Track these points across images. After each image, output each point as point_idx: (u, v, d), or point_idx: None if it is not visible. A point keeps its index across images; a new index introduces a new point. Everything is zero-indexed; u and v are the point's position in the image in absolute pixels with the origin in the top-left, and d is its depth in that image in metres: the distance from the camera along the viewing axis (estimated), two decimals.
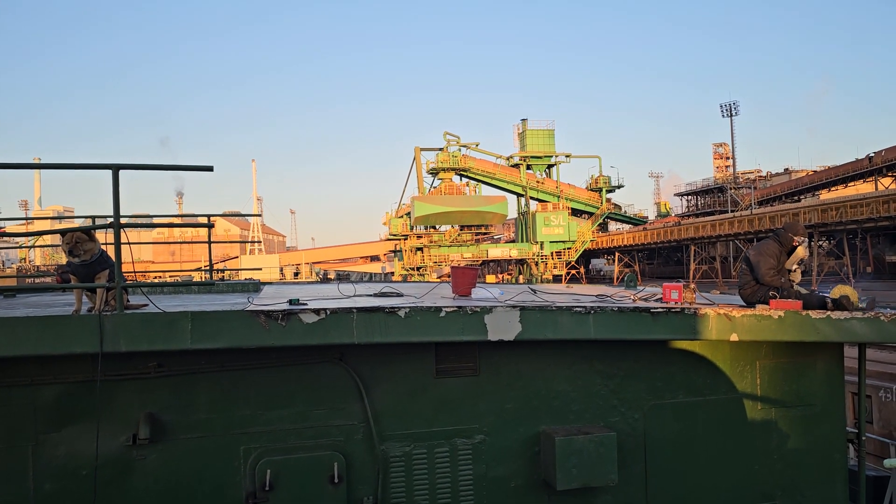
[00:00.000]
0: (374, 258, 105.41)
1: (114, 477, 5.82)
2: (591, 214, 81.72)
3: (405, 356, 6.46)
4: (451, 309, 6.06)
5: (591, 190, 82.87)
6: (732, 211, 73.85)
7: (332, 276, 63.98)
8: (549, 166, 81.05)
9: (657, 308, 6.47)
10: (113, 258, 6.01)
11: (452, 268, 8.18)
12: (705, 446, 7.12)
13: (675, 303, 6.94)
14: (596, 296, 8.16)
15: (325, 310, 5.78)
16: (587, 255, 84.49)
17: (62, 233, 5.88)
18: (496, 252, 76.31)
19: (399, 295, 7.79)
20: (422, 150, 77.61)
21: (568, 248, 76.61)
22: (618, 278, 71.20)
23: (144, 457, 5.90)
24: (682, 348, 7.08)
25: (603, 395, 6.93)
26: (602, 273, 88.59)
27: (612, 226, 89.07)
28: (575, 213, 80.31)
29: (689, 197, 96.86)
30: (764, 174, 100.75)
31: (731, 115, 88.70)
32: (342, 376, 6.34)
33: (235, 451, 6.09)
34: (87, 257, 5.83)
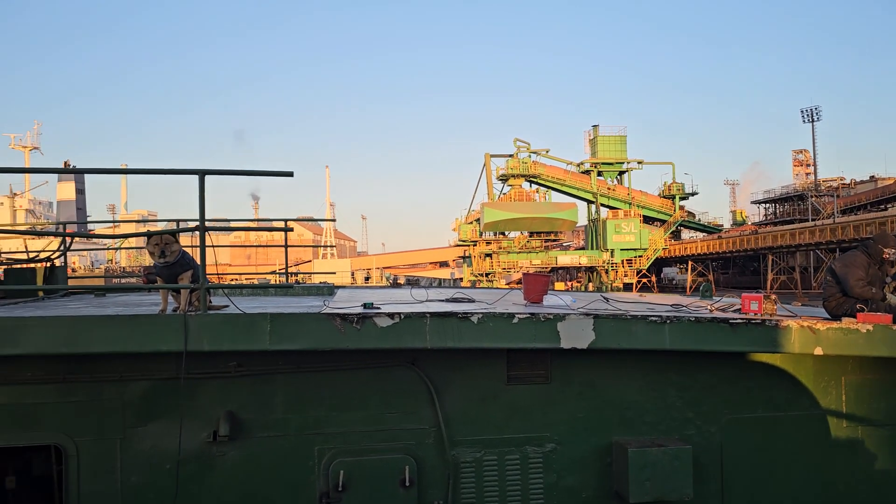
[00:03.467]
0: (443, 264, 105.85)
1: (195, 472, 6.02)
2: (663, 222, 79.83)
3: (477, 362, 6.46)
4: (524, 315, 6.03)
5: (664, 197, 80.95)
6: (813, 220, 70.79)
7: (401, 280, 64.60)
8: (621, 173, 79.67)
9: (736, 319, 6.26)
10: (194, 259, 6.26)
11: (524, 274, 8.14)
12: (786, 464, 6.82)
13: (755, 314, 6.69)
14: (671, 305, 7.96)
15: (399, 314, 5.84)
16: (659, 264, 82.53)
17: (149, 235, 6.15)
18: (565, 259, 75.46)
19: (471, 301, 7.79)
20: (492, 156, 77.54)
21: (639, 256, 75.01)
22: (690, 287, 69.26)
23: (224, 453, 6.08)
24: (762, 361, 6.82)
25: (678, 407, 6.75)
26: (674, 282, 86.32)
27: (686, 234, 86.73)
28: (647, 220, 78.62)
29: (767, 205, 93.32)
30: (847, 182, 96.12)
31: (813, 121, 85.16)
32: (414, 380, 6.38)
33: (310, 451, 6.22)
34: (173, 258, 6.08)
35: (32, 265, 9.47)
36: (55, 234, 10.14)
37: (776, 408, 6.85)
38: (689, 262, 77.24)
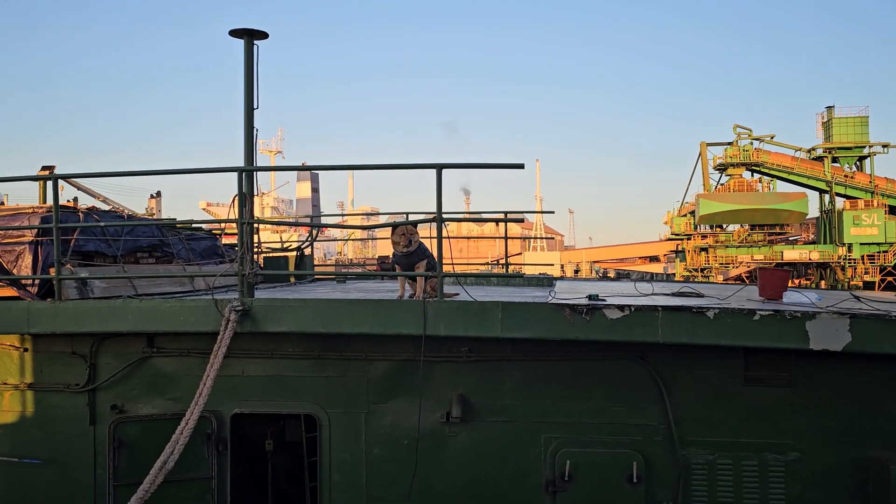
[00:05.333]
0: (653, 258, 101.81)
1: (430, 449, 6.36)
2: None
3: (711, 360, 6.12)
4: (767, 312, 5.60)
5: None
6: None
7: (611, 274, 63.18)
8: (861, 158, 70.89)
9: None
10: (429, 250, 6.59)
11: (760, 269, 7.57)
12: None
13: None
14: None
15: (629, 306, 5.70)
16: None
17: (394, 227, 6.59)
18: (793, 254, 68.85)
19: (700, 295, 7.40)
20: (708, 144, 72.98)
21: (884, 252, 66.33)
22: None
23: (456, 434, 6.36)
24: None
25: None
26: None
27: None
28: (893, 211, 69.32)
29: None
30: None
31: None
32: (642, 375, 6.20)
33: (537, 439, 6.29)
34: (414, 248, 6.47)
35: (286, 254, 10.62)
36: (323, 226, 11.23)
37: None
38: None
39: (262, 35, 6.48)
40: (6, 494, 6.86)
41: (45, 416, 6.80)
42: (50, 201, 6.90)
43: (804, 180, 70.94)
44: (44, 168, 11.50)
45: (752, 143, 70.52)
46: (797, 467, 6.02)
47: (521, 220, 7.74)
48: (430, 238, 6.30)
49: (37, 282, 6.83)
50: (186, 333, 6.39)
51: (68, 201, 8.17)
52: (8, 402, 6.86)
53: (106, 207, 11.41)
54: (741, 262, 66.27)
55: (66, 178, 7.34)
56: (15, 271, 6.86)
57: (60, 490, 6.75)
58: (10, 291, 6.87)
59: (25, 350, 6.82)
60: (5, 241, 6.99)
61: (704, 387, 6.18)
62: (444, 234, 6.01)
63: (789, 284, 7.82)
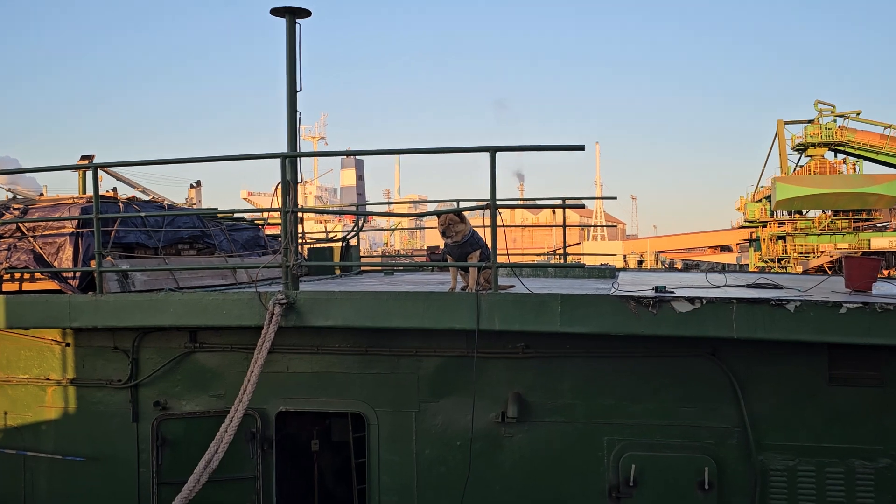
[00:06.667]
0: (725, 248, 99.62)
1: (484, 451, 6.36)
2: None
3: (790, 357, 5.96)
4: (854, 305, 5.40)
5: None
6: None
7: (678, 265, 62.10)
8: None
9: None
10: (483, 240, 6.56)
11: (846, 258, 7.33)
12: None
13: None
14: None
15: (700, 299, 5.58)
16: None
17: (438, 214, 6.58)
18: (881, 242, 66.39)
19: (778, 287, 7.20)
20: (786, 123, 70.85)
21: None
22: None
23: (512, 435, 6.34)
24: None
25: None
26: None
27: None
28: None
29: None
30: None
31: None
32: (715, 373, 6.08)
33: (599, 441, 6.22)
34: (459, 238, 6.43)
35: (331, 245, 10.75)
36: (386, 214, 11.34)
37: None
38: None
39: (305, 13, 6.54)
40: (50, 493, 7.13)
41: (87, 413, 7.04)
42: (90, 191, 7.11)
43: (895, 160, 68.34)
44: (83, 157, 11.86)
45: (835, 121, 68.22)
46: (889, 475, 5.82)
47: (581, 207, 7.65)
48: (484, 227, 6.28)
49: (78, 274, 7.06)
50: (229, 328, 6.52)
51: (108, 192, 8.38)
52: (51, 398, 7.12)
53: (146, 198, 11.73)
54: (823, 252, 64.24)
55: (105, 167, 7.55)
56: (56, 263, 7.11)
57: (104, 489, 6.98)
58: (52, 284, 7.13)
59: (67, 345, 7.06)
60: (46, 232, 7.25)
61: (784, 386, 6.02)
62: (498, 222, 5.97)
63: (879, 275, 7.55)
